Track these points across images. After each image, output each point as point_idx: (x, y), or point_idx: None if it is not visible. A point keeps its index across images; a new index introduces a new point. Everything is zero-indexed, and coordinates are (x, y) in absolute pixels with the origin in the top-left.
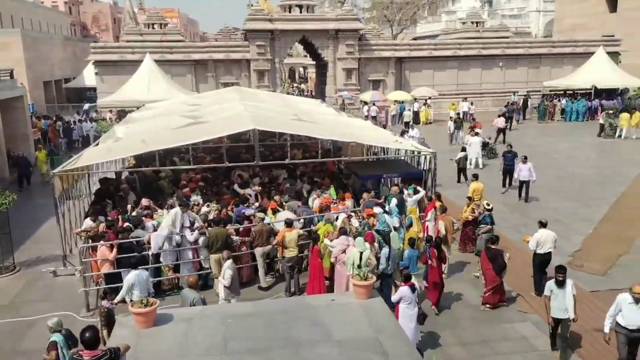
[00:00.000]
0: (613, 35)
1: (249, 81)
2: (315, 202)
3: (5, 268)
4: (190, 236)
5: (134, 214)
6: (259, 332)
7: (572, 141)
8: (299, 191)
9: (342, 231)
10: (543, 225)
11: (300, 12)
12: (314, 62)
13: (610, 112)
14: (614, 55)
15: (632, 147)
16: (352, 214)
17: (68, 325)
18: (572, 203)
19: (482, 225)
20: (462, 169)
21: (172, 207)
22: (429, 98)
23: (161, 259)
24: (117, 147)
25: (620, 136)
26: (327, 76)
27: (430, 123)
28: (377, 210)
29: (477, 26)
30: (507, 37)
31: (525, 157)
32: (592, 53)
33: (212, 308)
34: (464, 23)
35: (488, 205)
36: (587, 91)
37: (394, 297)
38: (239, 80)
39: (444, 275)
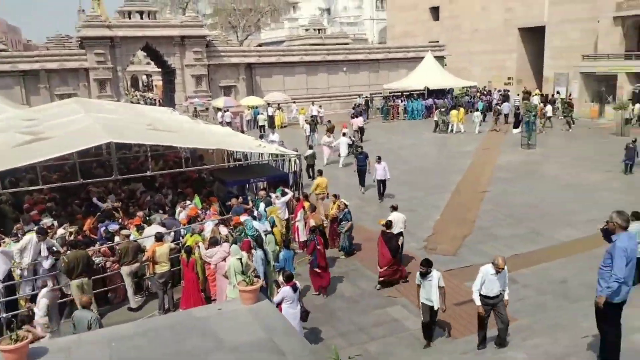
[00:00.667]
0: (438, 42)
1: (88, 91)
2: (182, 214)
3: None
4: (45, 263)
5: None
6: (148, 351)
7: (414, 138)
8: (160, 203)
9: (213, 240)
10: (394, 208)
11: (142, 18)
12: (160, 70)
13: (442, 109)
14: (440, 59)
15: (462, 139)
16: (221, 222)
17: None
18: (420, 192)
19: (343, 223)
20: (310, 165)
21: (17, 234)
22: (283, 103)
23: (20, 291)
24: None
25: (452, 131)
26: (175, 83)
27: (285, 127)
28: (243, 218)
29: (319, 33)
30: (348, 44)
31: (379, 157)
32: (422, 57)
33: (91, 334)
34: (306, 30)
35: (346, 203)
36: (422, 92)
37: (276, 298)
38: (77, 91)
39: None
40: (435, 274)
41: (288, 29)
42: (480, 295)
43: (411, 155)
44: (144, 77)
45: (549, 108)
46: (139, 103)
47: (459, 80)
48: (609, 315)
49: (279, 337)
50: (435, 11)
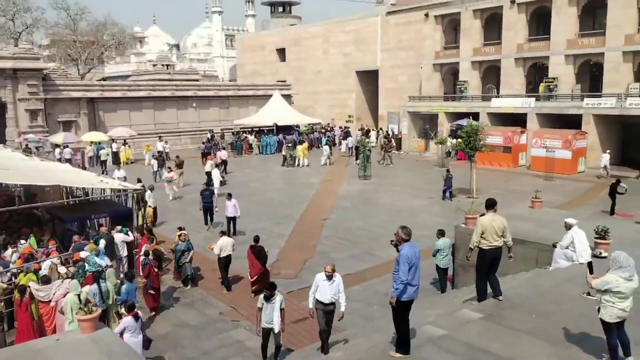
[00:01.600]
0: (285, 81)
1: None
2: (14, 256)
3: None
4: None
5: None
6: None
7: (264, 171)
8: None
9: (45, 279)
10: (223, 233)
11: None
12: None
13: (289, 145)
14: (288, 97)
15: (307, 172)
16: (58, 260)
17: None
18: (267, 223)
19: (186, 253)
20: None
21: None
22: (128, 138)
23: None
24: None
25: (298, 165)
26: (6, 118)
27: (132, 162)
28: (83, 254)
29: (167, 68)
30: (198, 80)
31: (230, 195)
32: (271, 95)
33: None
34: (154, 65)
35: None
36: (271, 128)
37: (118, 328)
38: None
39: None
40: (278, 297)
41: (135, 63)
42: (317, 300)
43: (261, 188)
44: None
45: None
46: None
47: (305, 117)
48: (399, 312)
49: None
50: (282, 53)
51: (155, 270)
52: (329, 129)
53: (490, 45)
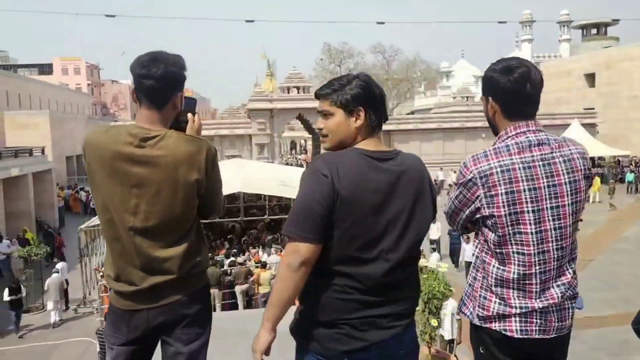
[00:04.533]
0: (593, 108)
1: (250, 153)
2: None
3: (36, 307)
4: None
5: None
6: None
7: None
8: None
9: None
10: None
11: (298, 92)
12: (310, 136)
13: None
14: (591, 127)
15: (596, 210)
16: None
17: (83, 350)
18: None
19: None
20: None
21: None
22: None
23: None
24: None
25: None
26: (321, 149)
27: None
28: None
29: (467, 100)
30: None
31: (468, 237)
32: (569, 124)
33: None
34: (454, 97)
35: None
36: None
37: None
38: (241, 153)
39: None
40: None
41: (441, 96)
42: None
43: None
44: (303, 141)
45: None
46: (291, 164)
47: (611, 148)
48: None
49: None
50: (590, 78)
51: None
52: (638, 163)
53: None
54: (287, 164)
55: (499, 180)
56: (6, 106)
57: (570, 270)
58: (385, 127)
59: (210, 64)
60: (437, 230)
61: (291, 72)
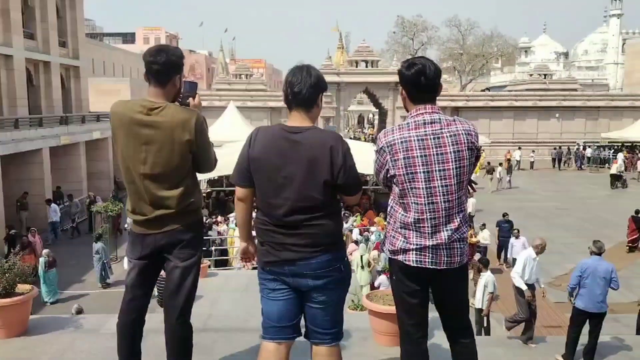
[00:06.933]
0: None
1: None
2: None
3: (112, 259)
4: None
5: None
6: None
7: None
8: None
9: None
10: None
11: (366, 66)
12: (377, 110)
13: None
14: None
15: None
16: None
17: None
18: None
19: None
20: None
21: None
22: (483, 146)
23: None
24: None
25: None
26: (386, 123)
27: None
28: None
29: (545, 77)
30: (575, 89)
31: (518, 231)
32: None
33: None
34: (531, 75)
35: None
36: None
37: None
38: None
39: None
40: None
41: (518, 73)
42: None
43: (598, 205)
44: (371, 115)
45: None
46: (358, 138)
47: None
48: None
49: None
50: None
51: None
52: None
53: None
54: (354, 137)
55: (399, 149)
56: (92, 73)
57: (457, 219)
58: (453, 103)
59: (284, 36)
60: (472, 205)
61: (360, 46)
